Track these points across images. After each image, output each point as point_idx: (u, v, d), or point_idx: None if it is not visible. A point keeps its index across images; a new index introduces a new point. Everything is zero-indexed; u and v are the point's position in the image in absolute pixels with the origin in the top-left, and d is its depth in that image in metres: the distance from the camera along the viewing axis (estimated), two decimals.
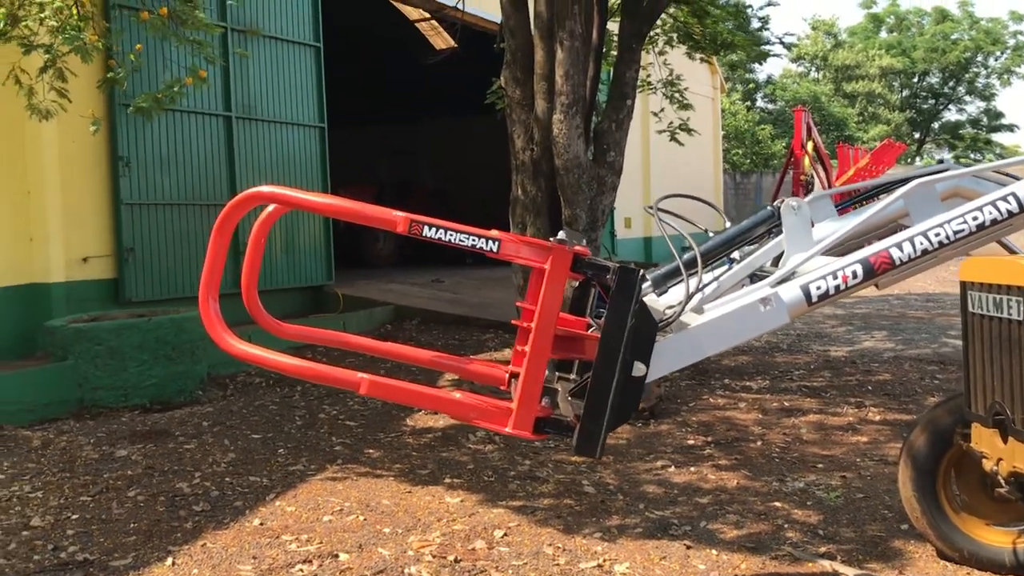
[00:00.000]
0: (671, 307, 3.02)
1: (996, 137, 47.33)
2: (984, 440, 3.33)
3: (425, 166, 21.46)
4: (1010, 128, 47.55)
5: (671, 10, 9.28)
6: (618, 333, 2.61)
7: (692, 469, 5.51)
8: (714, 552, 4.14)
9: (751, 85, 40.66)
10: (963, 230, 2.62)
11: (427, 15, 15.45)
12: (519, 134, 7.70)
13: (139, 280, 9.07)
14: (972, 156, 44.55)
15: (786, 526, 4.48)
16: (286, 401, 7.50)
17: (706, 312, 2.74)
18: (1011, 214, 2.62)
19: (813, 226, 3.25)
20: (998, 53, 45.12)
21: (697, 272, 2.91)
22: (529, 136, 7.65)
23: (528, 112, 7.67)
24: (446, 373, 7.87)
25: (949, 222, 2.63)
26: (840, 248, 3.21)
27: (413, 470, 5.46)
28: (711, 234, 3.45)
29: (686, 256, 3.10)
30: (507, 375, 3.24)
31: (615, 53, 9.22)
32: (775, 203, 3.20)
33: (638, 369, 2.63)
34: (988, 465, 3.37)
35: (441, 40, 16.45)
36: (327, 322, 10.06)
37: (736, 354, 9.43)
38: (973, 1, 46.78)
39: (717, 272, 3.25)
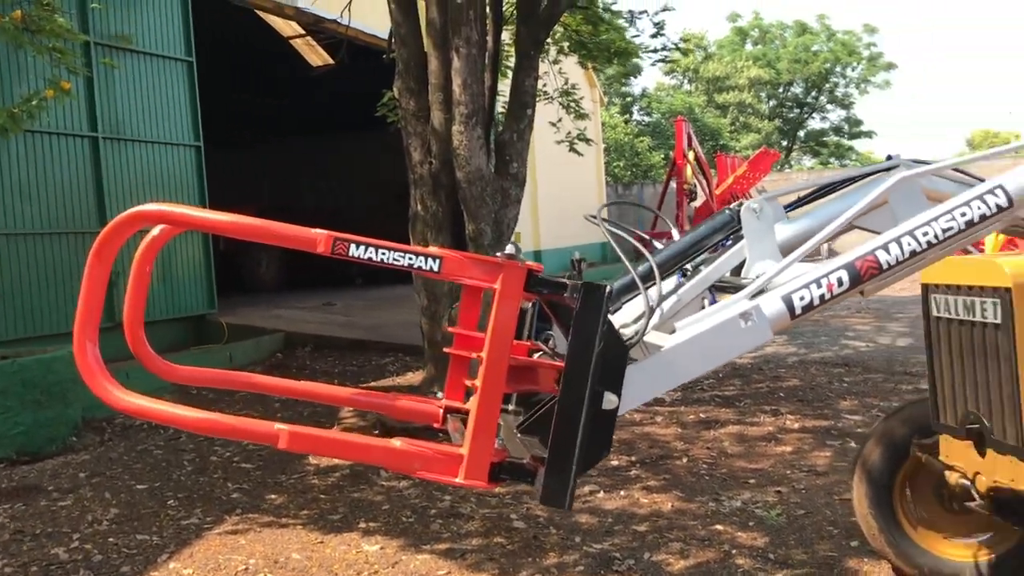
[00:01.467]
0: (625, 326, 2.68)
1: (856, 144, 49.58)
2: (956, 453, 3.12)
3: (311, 185, 20.74)
4: (868, 135, 49.86)
5: (563, 18, 9.06)
6: (585, 359, 2.25)
7: (622, 493, 5.21)
8: None
9: (628, 98, 41.31)
10: (952, 228, 2.38)
11: (301, 31, 14.89)
12: (416, 147, 7.31)
13: (1, 317, 8.21)
14: (835, 162, 46.42)
15: (734, 551, 4.21)
16: (172, 444, 6.84)
17: (679, 332, 2.42)
18: (1000, 209, 2.41)
19: None
20: (855, 64, 47.28)
21: (656, 286, 2.58)
22: (427, 149, 7.27)
23: (424, 124, 7.29)
24: (344, 408, 7.36)
25: (936, 220, 2.39)
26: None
27: (323, 516, 4.96)
28: (660, 245, 3.15)
29: (640, 268, 2.78)
30: (441, 410, 2.84)
31: (506, 63, 8.97)
32: (733, 206, 2.92)
33: (609, 401, 2.28)
34: (954, 478, 3.16)
35: (317, 57, 15.89)
36: (212, 354, 9.39)
37: None
38: (830, 15, 48.96)
39: (671, 285, 2.94)
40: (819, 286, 2.37)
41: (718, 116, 42.11)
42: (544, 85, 8.86)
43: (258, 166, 20.30)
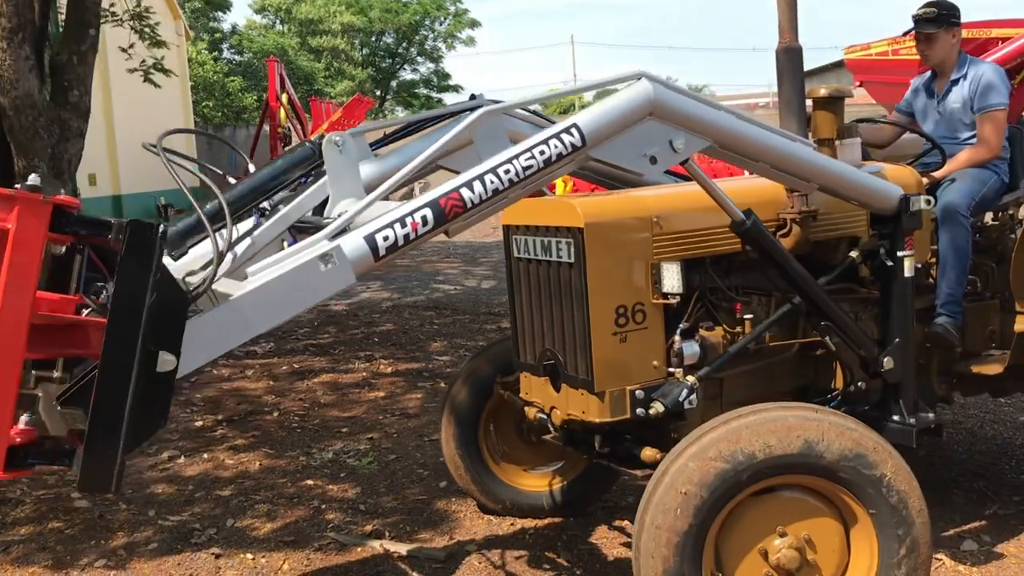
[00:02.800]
0: (192, 273, 2.33)
1: (445, 96, 51.73)
2: (534, 389, 3.20)
3: None
4: (456, 89, 52.29)
5: None
6: (134, 313, 1.88)
7: (206, 456, 4.81)
8: (249, 556, 3.56)
9: (217, 35, 38.98)
10: (532, 166, 2.35)
11: None
12: None
13: None
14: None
15: (324, 507, 4.04)
16: None
17: (252, 278, 2.13)
18: (575, 148, 2.41)
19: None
20: (443, 19, 49.12)
21: (226, 227, 2.26)
22: None
23: None
24: None
25: (517, 158, 2.34)
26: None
27: None
28: (233, 181, 2.81)
29: (209, 207, 2.43)
30: None
31: None
32: (313, 139, 2.67)
33: (165, 361, 1.93)
34: (532, 413, 3.25)
35: None
36: None
37: None
38: None
39: (247, 226, 2.63)
40: (403, 225, 2.22)
41: (312, 60, 41.46)
42: (112, 5, 7.86)
43: None
